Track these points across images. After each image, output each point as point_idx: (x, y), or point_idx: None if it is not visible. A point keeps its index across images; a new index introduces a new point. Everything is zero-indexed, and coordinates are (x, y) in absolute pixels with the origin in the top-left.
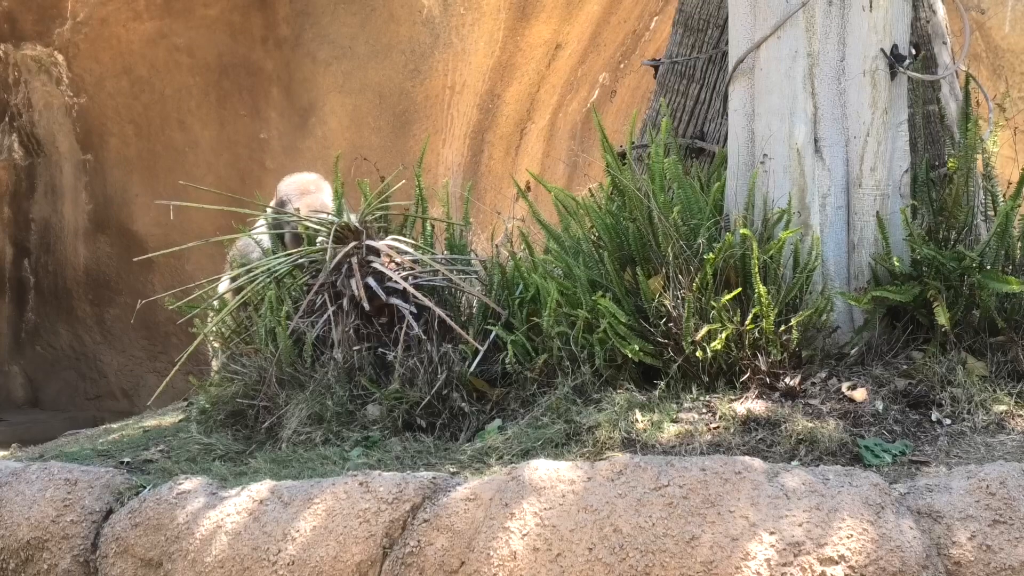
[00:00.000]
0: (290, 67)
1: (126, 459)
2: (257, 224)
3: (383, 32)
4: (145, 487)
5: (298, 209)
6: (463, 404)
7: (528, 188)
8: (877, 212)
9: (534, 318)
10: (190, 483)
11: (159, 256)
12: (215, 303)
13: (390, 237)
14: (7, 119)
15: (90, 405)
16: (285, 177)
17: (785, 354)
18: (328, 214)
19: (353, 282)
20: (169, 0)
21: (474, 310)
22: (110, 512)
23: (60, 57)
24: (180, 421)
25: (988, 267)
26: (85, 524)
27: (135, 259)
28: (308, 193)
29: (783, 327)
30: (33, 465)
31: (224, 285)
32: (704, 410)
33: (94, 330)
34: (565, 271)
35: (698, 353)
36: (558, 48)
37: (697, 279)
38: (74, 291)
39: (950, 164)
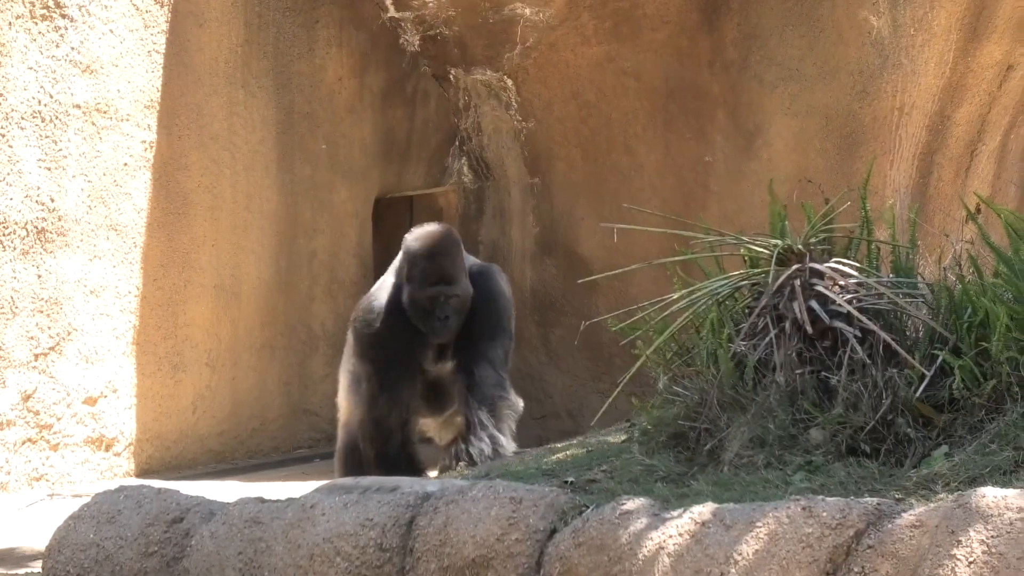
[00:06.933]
0: (736, 90)
1: (570, 479)
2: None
3: (831, 54)
4: (588, 507)
5: None
6: (908, 430)
7: (978, 211)
8: None
9: (982, 343)
10: (632, 504)
11: (603, 278)
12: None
13: (833, 260)
14: (457, 143)
15: (536, 424)
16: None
17: None
18: None
19: (795, 305)
20: (617, 24)
21: (919, 334)
22: (554, 531)
23: (509, 82)
24: (622, 442)
25: None
26: (529, 543)
27: (579, 281)
28: None
29: None
30: (479, 483)
31: None
32: None
33: (540, 351)
34: (1015, 295)
35: None
36: (1010, 69)
37: None
38: (521, 312)
39: None
